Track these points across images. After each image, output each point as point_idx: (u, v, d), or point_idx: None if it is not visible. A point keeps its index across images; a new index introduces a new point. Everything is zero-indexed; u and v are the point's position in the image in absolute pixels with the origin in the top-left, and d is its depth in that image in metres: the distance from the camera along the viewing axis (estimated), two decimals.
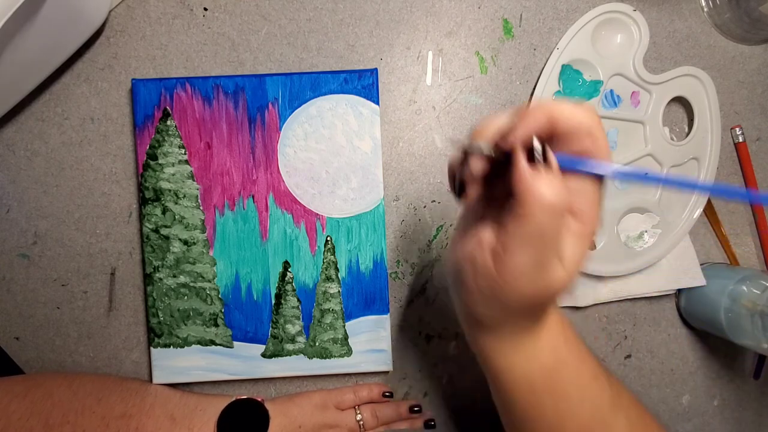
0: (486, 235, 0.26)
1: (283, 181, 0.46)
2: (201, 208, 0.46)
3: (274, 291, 0.46)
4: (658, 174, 0.25)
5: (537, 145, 0.24)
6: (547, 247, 0.24)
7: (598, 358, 0.32)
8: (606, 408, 0.30)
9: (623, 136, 0.48)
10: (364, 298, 0.46)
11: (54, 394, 0.40)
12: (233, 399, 0.45)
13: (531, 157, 0.24)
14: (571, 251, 0.25)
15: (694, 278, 0.49)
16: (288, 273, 0.46)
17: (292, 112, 0.45)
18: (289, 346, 0.46)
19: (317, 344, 0.47)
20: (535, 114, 0.24)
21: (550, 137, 0.25)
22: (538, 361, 0.28)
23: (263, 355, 0.46)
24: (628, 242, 0.49)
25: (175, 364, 0.46)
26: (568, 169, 0.24)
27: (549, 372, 0.29)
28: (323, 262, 0.46)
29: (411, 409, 0.47)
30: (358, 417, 0.45)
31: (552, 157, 0.24)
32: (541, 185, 0.23)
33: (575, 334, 0.31)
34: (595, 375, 0.30)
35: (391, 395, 0.46)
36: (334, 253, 0.46)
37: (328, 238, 0.46)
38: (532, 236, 0.23)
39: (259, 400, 0.45)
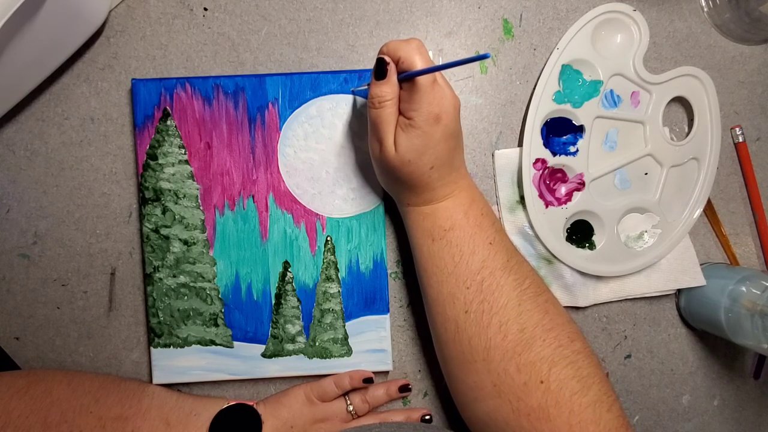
0: None
1: (283, 181, 0.46)
2: (201, 208, 0.46)
3: (274, 291, 0.46)
4: (422, 68, 0.36)
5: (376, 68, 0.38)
6: (379, 131, 0.38)
7: (511, 244, 0.41)
8: (497, 267, 0.38)
9: (623, 136, 0.48)
10: (364, 298, 0.46)
11: (53, 392, 0.40)
12: (225, 405, 0.44)
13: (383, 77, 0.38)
14: (402, 140, 0.37)
15: (694, 278, 0.49)
16: (288, 273, 0.46)
17: (292, 112, 0.45)
18: (289, 346, 0.46)
19: (317, 344, 0.47)
20: (380, 51, 0.38)
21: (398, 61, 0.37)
22: (436, 222, 0.40)
23: (263, 355, 0.46)
24: (628, 242, 0.49)
25: (175, 364, 0.46)
26: (400, 79, 0.37)
27: (445, 231, 0.39)
28: (323, 262, 0.46)
29: (400, 389, 0.47)
30: (349, 407, 0.45)
31: (389, 72, 0.37)
32: (372, 88, 0.38)
33: (483, 213, 0.40)
34: (491, 242, 0.39)
35: (371, 380, 0.46)
36: (334, 253, 0.46)
37: (328, 238, 0.46)
38: (371, 124, 0.39)
39: (251, 404, 0.45)
